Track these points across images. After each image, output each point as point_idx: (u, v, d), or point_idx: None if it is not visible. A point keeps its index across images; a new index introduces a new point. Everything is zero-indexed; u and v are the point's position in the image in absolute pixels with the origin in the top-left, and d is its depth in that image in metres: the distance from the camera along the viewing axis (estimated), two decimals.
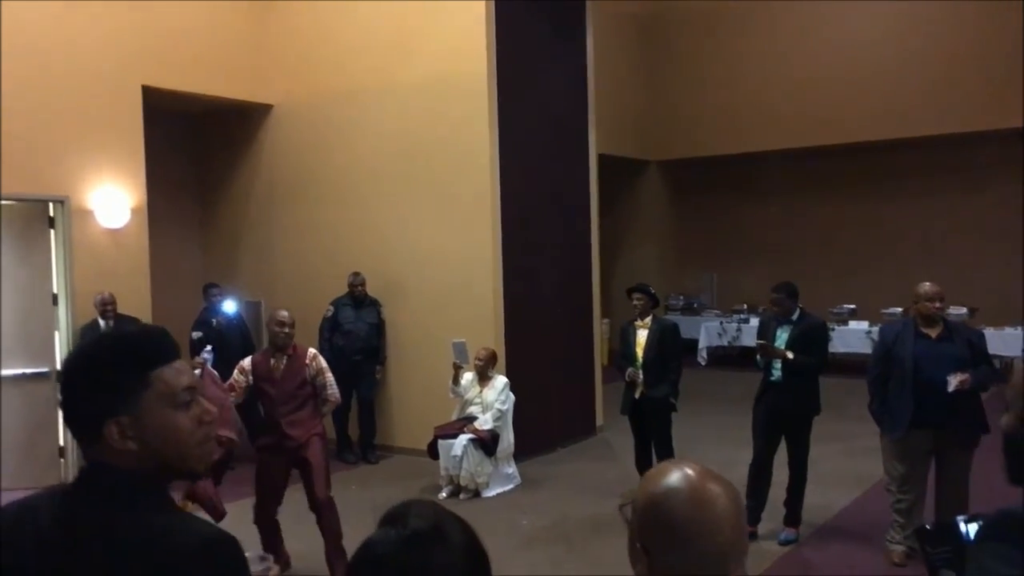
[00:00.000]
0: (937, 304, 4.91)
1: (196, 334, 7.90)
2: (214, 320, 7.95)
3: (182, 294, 8.85)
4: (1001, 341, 10.27)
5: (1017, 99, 10.94)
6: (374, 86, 8.24)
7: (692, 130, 13.49)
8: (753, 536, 5.67)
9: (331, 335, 7.91)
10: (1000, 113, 11.11)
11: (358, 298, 7.94)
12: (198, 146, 9.76)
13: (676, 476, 1.32)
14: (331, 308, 7.97)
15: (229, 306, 8.11)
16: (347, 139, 8.49)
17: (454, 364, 6.89)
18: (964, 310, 10.65)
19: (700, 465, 1.35)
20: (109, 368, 1.38)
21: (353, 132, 8.45)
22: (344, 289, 7.99)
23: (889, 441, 5.06)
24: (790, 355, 5.49)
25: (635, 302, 6.28)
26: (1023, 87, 10.91)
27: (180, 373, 1.42)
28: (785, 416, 5.63)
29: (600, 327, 9.43)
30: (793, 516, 5.74)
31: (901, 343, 4.96)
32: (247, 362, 5.32)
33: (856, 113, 12.10)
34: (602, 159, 9.94)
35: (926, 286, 4.96)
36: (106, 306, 6.99)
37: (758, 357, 5.70)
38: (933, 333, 4.94)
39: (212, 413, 1.44)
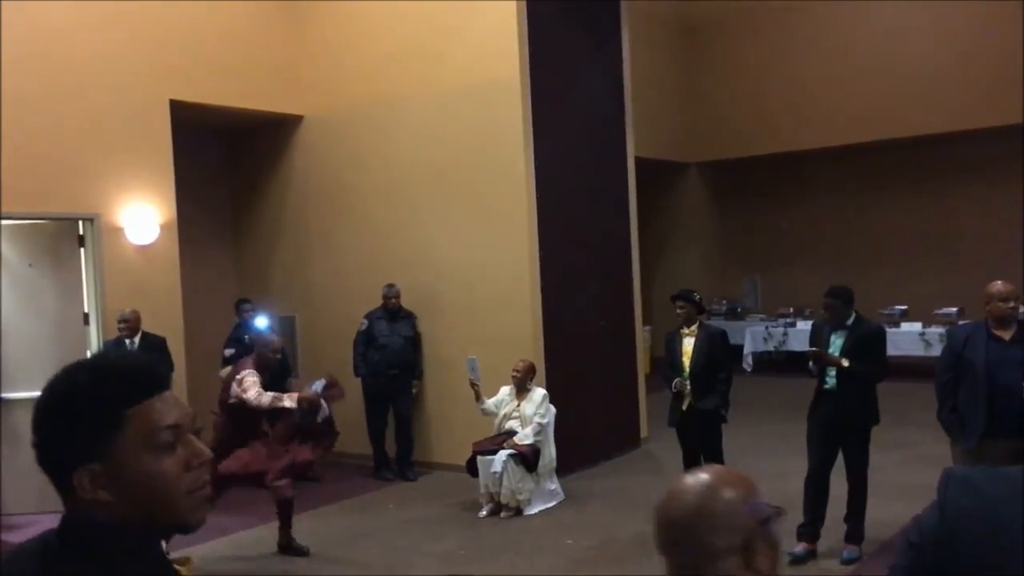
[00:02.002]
0: (1011, 304, 4.56)
1: (228, 351, 7.79)
2: (246, 336, 7.80)
3: (215, 310, 8.73)
4: None
5: None
6: (406, 94, 8.07)
7: (731, 131, 13.16)
8: (812, 554, 5.36)
9: (366, 349, 7.72)
10: None
11: (392, 311, 7.74)
12: (229, 159, 9.66)
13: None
14: (365, 321, 7.79)
15: (261, 321, 7.97)
16: (379, 149, 8.33)
17: (470, 382, 6.67)
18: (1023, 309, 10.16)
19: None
20: (77, 406, 1.15)
21: (385, 142, 8.28)
22: (379, 302, 7.81)
23: (961, 451, 4.72)
24: (845, 363, 5.17)
25: (678, 310, 6.01)
26: None
27: (164, 409, 1.18)
28: (841, 427, 5.31)
29: (642, 335, 9.14)
30: (854, 532, 5.40)
31: (972, 346, 4.62)
32: None
33: (902, 109, 11.68)
34: (640, 162, 9.67)
35: (998, 285, 4.61)
36: (125, 323, 6.85)
37: (811, 364, 5.38)
38: (1007, 335, 4.59)
39: (204, 455, 1.20)
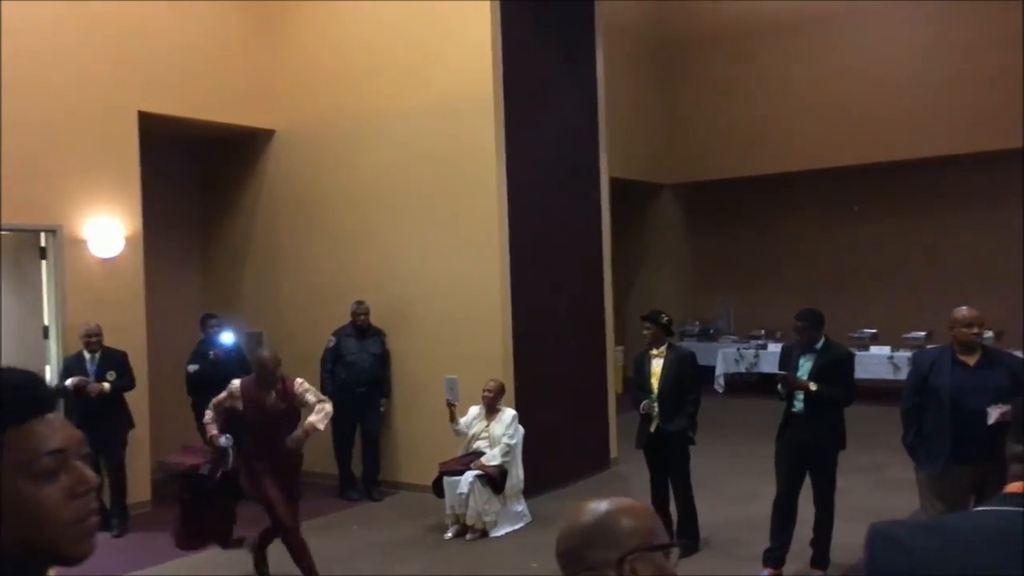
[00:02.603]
0: (975, 330, 4.57)
1: (192, 367, 7.64)
2: (211, 352, 7.68)
3: (180, 325, 8.58)
4: None
5: None
6: (379, 110, 8.02)
7: (706, 153, 13.23)
8: None
9: (333, 367, 7.62)
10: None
11: (361, 328, 7.65)
12: (197, 173, 9.55)
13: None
14: (333, 338, 7.69)
15: (227, 337, 7.85)
16: (351, 165, 8.26)
17: (447, 401, 6.60)
18: (990, 333, 10.24)
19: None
20: None
21: (357, 158, 8.22)
22: (348, 319, 7.71)
23: (926, 477, 4.71)
24: (813, 387, 5.16)
25: (644, 331, 5.99)
26: None
27: (47, 432, 1.09)
28: (809, 450, 5.29)
29: (614, 355, 9.10)
30: (820, 557, 5.38)
31: (937, 372, 4.62)
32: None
33: (873, 134, 11.81)
34: (614, 183, 9.68)
35: (963, 311, 4.62)
36: (91, 337, 6.70)
37: (780, 387, 5.37)
38: (971, 361, 4.59)
39: (90, 482, 1.11)
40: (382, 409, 7.79)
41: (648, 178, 13.31)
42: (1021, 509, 1.27)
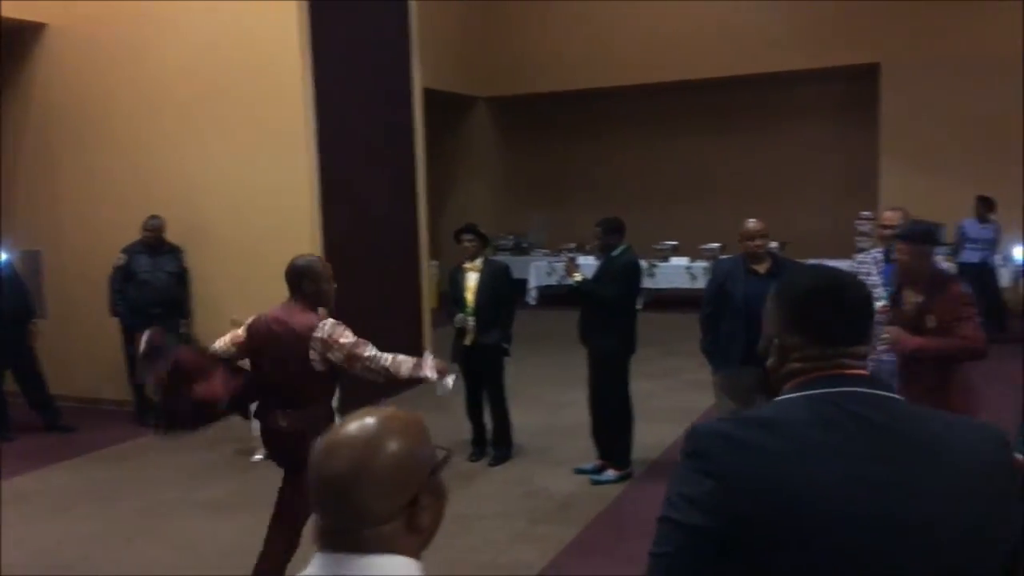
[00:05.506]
0: (756, 242, 4.85)
1: None
2: None
3: None
4: None
5: (836, 38, 11.39)
6: (169, 3, 7.26)
7: (520, 67, 13.19)
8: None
9: (124, 286, 7.06)
10: (818, 54, 11.54)
11: (153, 244, 7.10)
12: None
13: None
14: (123, 256, 7.09)
15: None
16: (138, 66, 7.49)
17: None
18: (775, 244, 11.05)
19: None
20: None
21: (145, 58, 7.46)
22: (140, 235, 7.12)
23: (722, 378, 5.01)
24: (578, 276, 5.46)
25: (466, 243, 5.95)
26: (839, 28, 11.35)
27: None
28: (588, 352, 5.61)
29: (429, 269, 9.02)
30: (605, 451, 5.67)
31: (732, 280, 4.88)
32: None
33: (681, 52, 12.20)
34: (428, 94, 9.42)
35: (749, 224, 4.89)
36: None
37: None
38: (762, 269, 4.88)
39: None
40: (182, 331, 7.32)
41: (463, 90, 13.11)
42: (820, 391, 1.36)
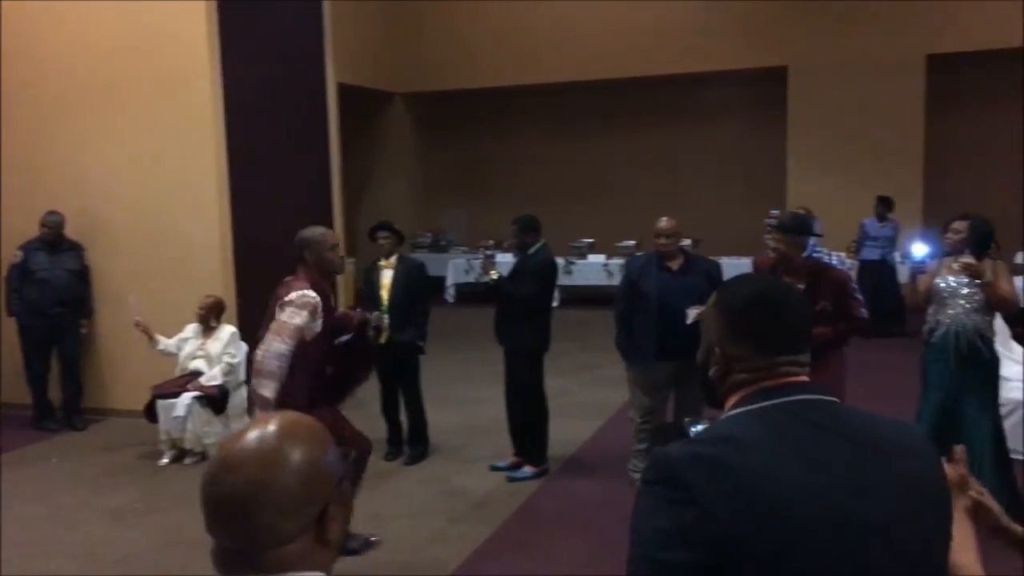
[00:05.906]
0: (663, 240, 4.94)
1: None
2: None
3: None
4: (738, 271, 11.01)
5: (745, 41, 11.70)
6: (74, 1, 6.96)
7: (437, 63, 13.11)
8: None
9: (21, 285, 6.73)
10: (729, 57, 11.83)
11: (53, 241, 6.79)
12: None
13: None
14: (19, 253, 6.77)
15: None
16: (33, 52, 7.15)
17: (135, 323, 6.10)
18: (688, 241, 11.28)
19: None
20: None
21: (41, 44, 7.13)
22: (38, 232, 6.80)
23: (636, 373, 5.08)
24: (495, 274, 5.45)
25: (381, 240, 5.91)
26: (749, 31, 11.66)
27: None
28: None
29: (345, 267, 8.87)
30: (521, 448, 5.67)
31: (646, 277, 4.96)
32: None
33: (599, 51, 12.33)
34: (343, 89, 9.27)
35: (661, 222, 4.99)
36: None
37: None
38: (675, 266, 4.98)
39: None
40: (83, 331, 7.03)
41: (380, 86, 12.96)
42: (772, 402, 1.34)
